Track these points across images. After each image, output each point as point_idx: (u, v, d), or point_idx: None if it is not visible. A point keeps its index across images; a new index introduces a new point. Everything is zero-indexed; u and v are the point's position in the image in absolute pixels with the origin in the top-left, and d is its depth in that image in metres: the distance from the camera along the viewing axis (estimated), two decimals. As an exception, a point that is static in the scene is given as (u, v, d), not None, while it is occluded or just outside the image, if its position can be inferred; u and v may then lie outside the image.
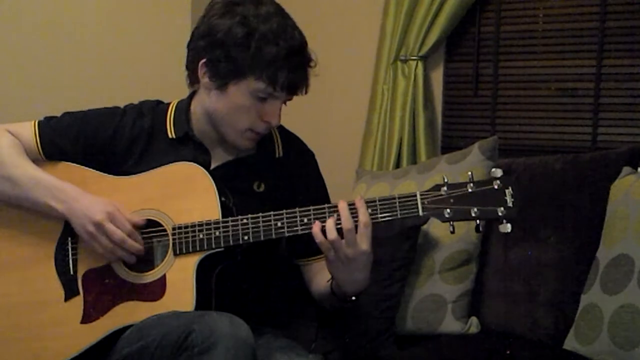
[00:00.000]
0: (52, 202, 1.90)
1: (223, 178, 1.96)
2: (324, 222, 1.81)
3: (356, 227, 1.79)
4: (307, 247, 2.02)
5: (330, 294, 1.96)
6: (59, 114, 2.07)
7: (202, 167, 1.93)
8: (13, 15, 2.71)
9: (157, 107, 2.08)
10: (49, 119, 2.06)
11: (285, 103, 1.95)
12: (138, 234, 1.89)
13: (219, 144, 2.02)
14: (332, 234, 1.79)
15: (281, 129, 2.11)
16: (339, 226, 1.79)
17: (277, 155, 2.08)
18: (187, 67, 1.98)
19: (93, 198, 1.90)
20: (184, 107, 2.04)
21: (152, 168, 1.97)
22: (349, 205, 1.81)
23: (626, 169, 2.35)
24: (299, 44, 1.89)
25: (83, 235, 1.88)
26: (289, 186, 2.06)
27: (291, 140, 2.13)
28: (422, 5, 3.08)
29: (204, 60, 1.91)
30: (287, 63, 1.85)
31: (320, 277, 2.05)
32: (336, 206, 1.82)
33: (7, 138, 1.99)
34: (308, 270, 2.10)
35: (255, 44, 1.84)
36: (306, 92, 1.95)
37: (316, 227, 1.81)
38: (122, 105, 2.09)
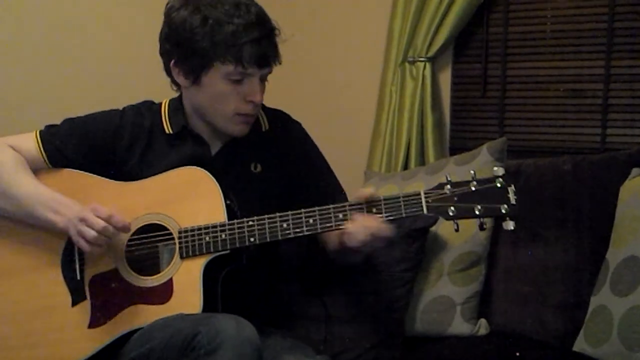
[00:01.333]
0: (52, 216, 1.90)
1: (224, 165, 1.99)
2: (330, 222, 1.84)
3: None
4: None
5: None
6: (58, 120, 2.09)
7: (207, 172, 1.93)
8: (14, 17, 2.71)
9: (152, 107, 2.10)
10: (49, 128, 2.07)
11: (266, 79, 1.96)
12: (120, 217, 1.85)
13: (215, 136, 2.04)
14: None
15: (262, 105, 2.10)
16: None
17: (263, 129, 2.08)
18: (167, 73, 2.01)
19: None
20: (177, 103, 2.07)
21: (154, 165, 1.99)
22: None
23: (635, 170, 2.34)
24: (256, 17, 1.89)
25: (73, 237, 1.87)
26: (284, 161, 2.06)
27: (275, 114, 2.13)
28: (429, 6, 3.07)
29: (173, 61, 1.94)
30: (247, 38, 1.86)
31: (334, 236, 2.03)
32: (342, 207, 1.84)
33: (9, 154, 2.00)
34: (330, 235, 2.06)
35: (211, 28, 1.86)
36: (279, 63, 1.94)
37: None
38: (120, 107, 2.11)
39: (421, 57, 3.13)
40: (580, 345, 2.22)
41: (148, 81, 2.89)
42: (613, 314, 2.12)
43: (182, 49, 1.90)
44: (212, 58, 1.88)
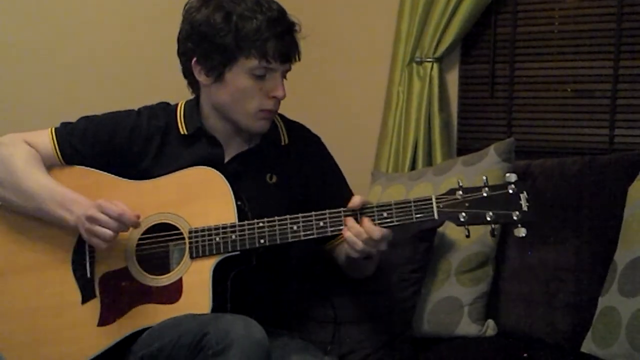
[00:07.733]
0: (63, 213, 1.91)
1: (237, 172, 1.99)
2: (341, 226, 1.84)
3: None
4: None
5: None
6: (73, 119, 2.10)
7: (218, 172, 1.94)
8: (31, 18, 2.72)
9: (168, 108, 2.11)
10: (65, 125, 2.08)
11: (285, 76, 1.98)
12: (131, 213, 1.87)
13: (232, 137, 2.05)
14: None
15: (284, 118, 2.14)
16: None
17: (283, 143, 2.10)
18: (185, 75, 2.03)
19: None
20: (193, 104, 2.08)
21: (168, 165, 2.00)
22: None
23: (644, 171, 2.34)
24: (277, 13, 1.93)
25: (84, 235, 1.88)
26: (300, 175, 2.08)
27: (295, 127, 2.15)
28: (437, 6, 3.07)
29: (195, 59, 1.95)
30: (271, 32, 1.89)
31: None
32: (352, 211, 1.85)
33: (23, 149, 2.00)
34: (340, 249, 2.10)
35: (235, 25, 1.89)
36: (299, 59, 1.98)
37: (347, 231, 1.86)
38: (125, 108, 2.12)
39: (428, 58, 3.13)
40: (588, 346, 2.21)
41: (153, 83, 2.91)
42: (621, 315, 2.12)
43: (205, 46, 1.92)
44: (236, 53, 1.90)
